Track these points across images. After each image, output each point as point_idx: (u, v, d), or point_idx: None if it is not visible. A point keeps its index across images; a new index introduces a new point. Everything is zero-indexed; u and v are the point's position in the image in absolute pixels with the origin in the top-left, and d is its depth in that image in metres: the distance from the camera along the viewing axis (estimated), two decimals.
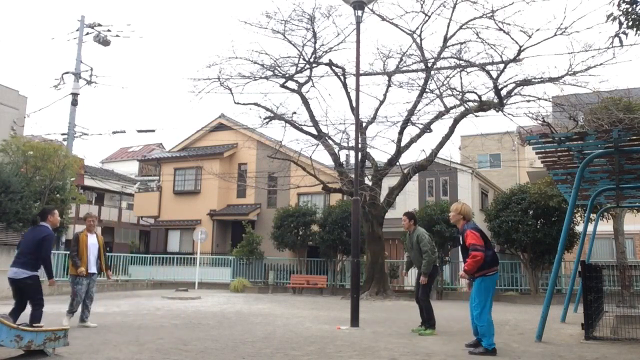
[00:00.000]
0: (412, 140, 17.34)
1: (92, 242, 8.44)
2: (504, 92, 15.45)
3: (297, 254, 21.40)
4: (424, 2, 15.85)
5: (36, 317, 7.00)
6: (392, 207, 18.40)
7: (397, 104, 66.62)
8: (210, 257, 23.45)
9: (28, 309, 7.22)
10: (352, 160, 18.28)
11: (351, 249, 10.03)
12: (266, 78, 18.29)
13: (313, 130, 18.12)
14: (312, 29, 17.25)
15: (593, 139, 7.35)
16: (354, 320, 8.95)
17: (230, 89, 18.21)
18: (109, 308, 11.77)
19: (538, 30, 14.44)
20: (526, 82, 15.34)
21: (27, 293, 7.05)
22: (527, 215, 16.78)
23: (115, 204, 35.87)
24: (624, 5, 5.42)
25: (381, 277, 17.14)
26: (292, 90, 18.52)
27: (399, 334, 8.07)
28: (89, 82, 21.31)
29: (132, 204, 32.15)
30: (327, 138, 17.82)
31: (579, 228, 14.77)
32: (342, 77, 17.69)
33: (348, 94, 17.67)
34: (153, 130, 27.65)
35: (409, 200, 22.51)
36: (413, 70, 17.38)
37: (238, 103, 18.57)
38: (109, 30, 21.74)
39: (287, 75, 18.35)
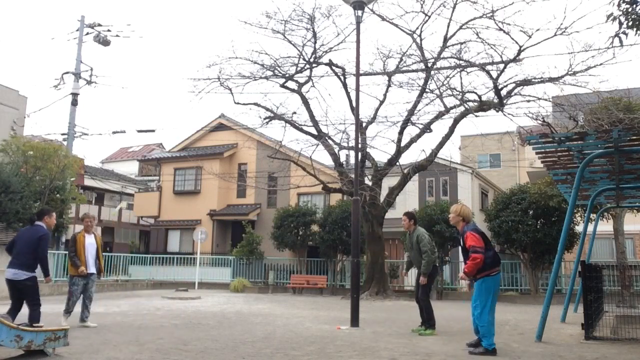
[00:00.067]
0: (412, 140, 17.34)
1: (90, 243, 8.45)
2: (504, 92, 15.45)
3: (297, 254, 21.40)
4: (424, 2, 15.87)
5: (35, 317, 7.02)
6: (392, 207, 18.40)
7: (397, 104, 66.72)
8: (210, 257, 23.44)
9: (25, 309, 7.23)
10: (352, 160, 18.29)
11: (351, 249, 10.03)
12: (266, 78, 18.29)
13: (313, 130, 18.13)
14: (312, 29, 17.26)
15: (593, 139, 7.35)
16: (354, 320, 8.95)
17: (230, 89, 18.23)
18: (109, 308, 11.77)
19: (538, 30, 14.45)
20: (526, 82, 15.34)
21: (26, 294, 7.07)
22: (527, 215, 16.78)
23: (115, 204, 35.87)
24: (624, 5, 5.42)
25: (381, 277, 17.14)
26: (292, 90, 18.52)
27: (399, 334, 8.07)
28: (89, 82, 21.30)
29: (132, 203, 32.16)
30: (327, 138, 17.82)
31: (579, 228, 14.77)
32: (342, 77, 17.70)
33: (348, 94, 17.69)
34: (153, 130, 27.65)
35: (409, 200, 22.51)
36: (413, 70, 17.39)
37: (238, 103, 18.60)
38: (109, 30, 21.73)
39: (287, 75, 18.35)
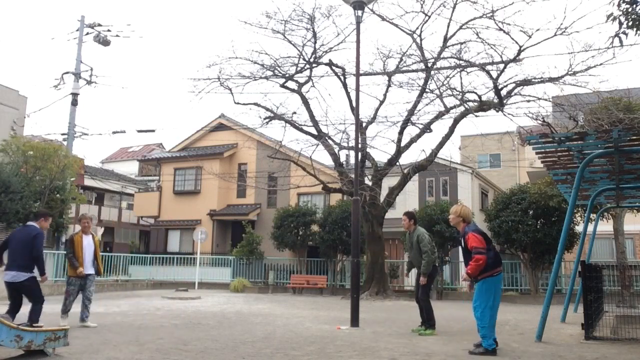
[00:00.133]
0: (412, 140, 17.34)
1: (88, 243, 8.45)
2: (504, 92, 15.45)
3: (297, 254, 21.40)
4: (424, 2, 15.87)
5: (36, 310, 7.08)
6: (392, 207, 18.40)
7: (397, 104, 66.72)
8: (210, 257, 23.44)
9: (24, 308, 7.25)
10: (352, 160, 18.29)
11: (351, 249, 10.03)
12: (266, 78, 18.29)
13: (313, 130, 18.13)
14: (312, 29, 17.26)
15: (593, 139, 7.35)
16: (354, 320, 8.95)
17: (230, 89, 18.23)
18: (109, 308, 11.77)
19: (538, 30, 14.45)
20: (526, 82, 15.34)
21: (27, 293, 7.11)
22: (527, 215, 16.78)
23: (115, 204, 35.87)
24: (624, 5, 5.42)
25: (381, 277, 17.13)
26: (292, 90, 18.52)
27: (399, 334, 8.07)
28: (89, 82, 21.29)
29: (132, 203, 32.17)
30: (327, 138, 17.82)
31: (579, 228, 14.77)
32: (342, 77, 17.70)
33: (348, 94, 17.68)
34: (153, 130, 27.65)
35: (409, 200, 22.50)
36: (413, 70, 17.39)
37: (238, 103, 18.60)
38: (109, 30, 21.72)
39: (287, 75, 18.35)
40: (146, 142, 44.94)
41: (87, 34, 21.64)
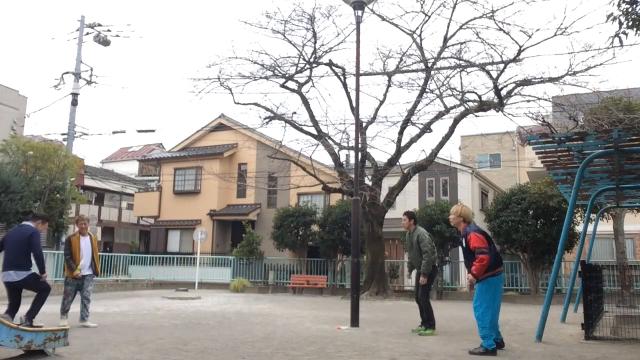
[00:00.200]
0: (412, 140, 17.34)
1: (85, 244, 8.47)
2: (504, 92, 15.45)
3: (297, 254, 21.40)
4: (424, 2, 15.87)
5: (42, 298, 7.17)
6: (392, 207, 18.39)
7: (397, 104, 66.73)
8: (210, 257, 23.44)
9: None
10: (352, 160, 18.29)
11: (351, 249, 10.03)
12: (266, 78, 18.29)
13: (313, 130, 18.13)
14: (312, 29, 17.26)
15: (593, 139, 7.35)
16: (354, 320, 8.95)
17: (230, 89, 18.23)
18: (109, 308, 11.77)
19: (538, 30, 14.44)
20: (526, 82, 15.34)
21: (32, 288, 7.19)
22: (527, 215, 16.77)
23: (115, 204, 35.88)
24: (624, 5, 5.41)
25: (381, 277, 17.13)
26: (292, 90, 18.52)
27: (399, 334, 8.07)
28: (89, 82, 21.28)
29: (132, 204, 32.17)
30: (327, 138, 17.82)
31: (579, 228, 14.77)
32: (342, 77, 17.70)
33: (348, 94, 17.68)
34: (153, 130, 27.61)
35: (409, 200, 22.50)
36: (413, 70, 17.39)
37: (238, 103, 18.60)
38: (109, 30, 21.72)
39: (287, 75, 18.35)
40: (146, 142, 44.97)
41: (87, 34, 21.64)
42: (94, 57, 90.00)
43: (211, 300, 15.04)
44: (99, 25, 21.71)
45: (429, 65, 16.59)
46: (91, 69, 21.39)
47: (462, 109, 16.45)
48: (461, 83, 16.26)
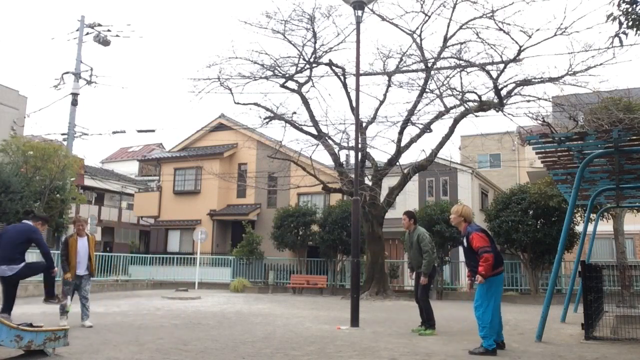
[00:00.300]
0: (412, 140, 17.34)
1: (82, 245, 8.47)
2: (504, 92, 15.45)
3: (297, 254, 21.40)
4: (424, 2, 15.87)
5: (48, 276, 7.42)
6: (392, 207, 18.39)
7: (397, 104, 66.76)
8: (210, 257, 23.44)
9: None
10: (352, 160, 18.28)
11: (351, 249, 10.03)
12: (266, 78, 18.29)
13: (313, 130, 18.13)
14: (312, 29, 17.26)
15: (593, 139, 7.35)
16: (354, 320, 8.95)
17: (230, 89, 18.23)
18: (109, 308, 11.77)
19: (538, 30, 14.44)
20: (526, 82, 15.34)
21: (28, 276, 7.28)
22: (527, 215, 16.77)
23: (115, 204, 35.88)
24: (624, 5, 5.42)
25: (381, 277, 17.13)
26: (292, 90, 18.52)
27: (399, 334, 8.07)
28: (89, 82, 21.27)
29: (132, 204, 32.17)
30: (327, 138, 17.82)
31: (579, 228, 14.77)
32: (342, 77, 17.70)
33: (348, 94, 17.68)
34: (153, 130, 27.60)
35: (409, 200, 22.51)
36: (413, 70, 17.39)
37: (238, 103, 18.60)
38: (109, 30, 21.71)
39: (287, 75, 18.35)
40: (146, 142, 44.97)
41: (87, 34, 21.63)
42: (94, 57, 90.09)
43: (211, 300, 15.04)
44: (99, 25, 21.71)
45: (429, 65, 16.59)
46: (91, 69, 21.40)
47: (462, 109, 16.45)
48: (461, 83, 16.29)
